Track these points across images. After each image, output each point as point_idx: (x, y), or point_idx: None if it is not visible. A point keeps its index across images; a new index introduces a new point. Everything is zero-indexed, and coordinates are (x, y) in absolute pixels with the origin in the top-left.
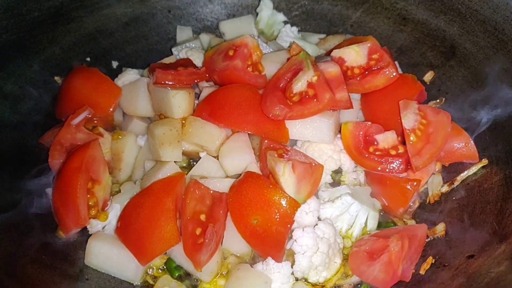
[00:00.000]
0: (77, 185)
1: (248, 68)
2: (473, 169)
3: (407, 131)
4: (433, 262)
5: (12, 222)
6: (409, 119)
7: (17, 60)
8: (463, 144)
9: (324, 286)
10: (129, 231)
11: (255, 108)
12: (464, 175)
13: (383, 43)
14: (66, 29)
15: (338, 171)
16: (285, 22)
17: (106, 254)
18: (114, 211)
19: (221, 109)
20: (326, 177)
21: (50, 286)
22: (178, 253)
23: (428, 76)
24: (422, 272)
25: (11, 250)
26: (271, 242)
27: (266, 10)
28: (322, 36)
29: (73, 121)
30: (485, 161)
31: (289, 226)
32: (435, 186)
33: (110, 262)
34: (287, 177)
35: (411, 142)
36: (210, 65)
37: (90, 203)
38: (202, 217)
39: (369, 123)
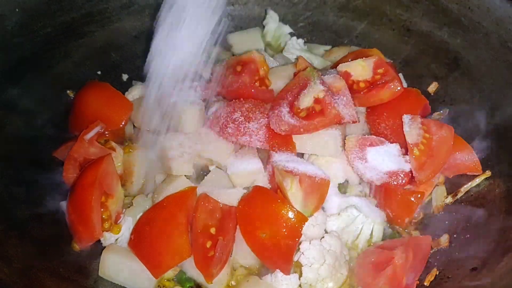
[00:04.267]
0: (92, 200)
1: (256, 83)
2: (477, 181)
3: (410, 146)
4: (437, 273)
5: (28, 235)
6: (412, 133)
7: (31, 75)
8: (466, 156)
9: None
10: (142, 245)
11: (263, 123)
12: (467, 186)
13: (388, 54)
14: (78, 43)
15: (344, 183)
16: (291, 34)
17: (119, 266)
18: (127, 223)
19: (230, 124)
20: (333, 189)
21: None
22: (189, 265)
23: (432, 88)
24: (426, 283)
25: (29, 263)
26: (279, 255)
27: (272, 23)
28: (328, 47)
29: (86, 136)
30: (488, 173)
31: (297, 239)
32: (439, 197)
33: (123, 273)
34: (294, 191)
35: (414, 156)
36: (219, 81)
37: (103, 217)
38: (212, 230)
39: (373, 136)
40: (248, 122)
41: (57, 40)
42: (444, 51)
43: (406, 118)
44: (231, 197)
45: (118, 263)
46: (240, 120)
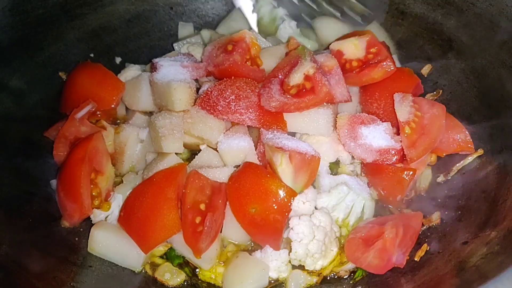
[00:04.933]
0: (81, 175)
1: (247, 63)
2: (469, 159)
3: (402, 123)
4: (427, 249)
5: (19, 212)
6: (404, 111)
7: (22, 56)
8: (459, 135)
9: (320, 273)
10: (132, 220)
11: (254, 101)
12: (459, 165)
13: (382, 37)
14: (70, 26)
15: (335, 162)
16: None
17: (108, 242)
18: (116, 201)
19: (220, 102)
20: (324, 169)
21: (55, 273)
22: (179, 242)
23: (426, 69)
24: (416, 259)
25: (18, 238)
26: (269, 230)
27: (266, 6)
28: None
29: (77, 114)
30: (480, 151)
31: (286, 214)
32: (425, 178)
33: (112, 249)
34: (284, 167)
35: (405, 134)
36: (210, 60)
37: (93, 194)
38: (202, 206)
39: (365, 114)
40: (239, 100)
41: (49, 22)
42: (437, 33)
43: (397, 96)
44: (221, 175)
45: (107, 239)
46: (231, 98)
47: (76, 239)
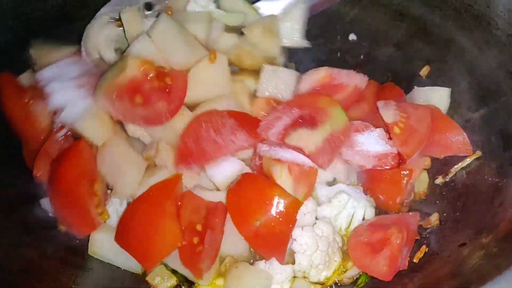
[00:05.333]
0: (83, 193)
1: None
2: (467, 161)
3: (390, 125)
4: (426, 250)
5: (19, 213)
6: (389, 114)
7: (21, 59)
8: (457, 137)
9: (324, 284)
10: (131, 238)
11: (231, 122)
12: (458, 166)
13: (380, 39)
14: (70, 28)
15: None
16: None
17: (109, 245)
18: (113, 205)
19: (206, 146)
20: (321, 184)
21: (56, 276)
22: (176, 259)
23: (424, 71)
24: (415, 260)
25: (19, 241)
26: (274, 242)
27: None
28: None
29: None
30: (478, 153)
31: (291, 225)
32: (421, 182)
33: (112, 252)
34: (284, 179)
35: (396, 134)
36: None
37: (96, 203)
38: (198, 227)
39: (358, 121)
40: (220, 130)
41: (48, 24)
42: (436, 35)
43: (380, 103)
44: (217, 197)
45: (108, 242)
46: (211, 134)
47: (77, 241)
